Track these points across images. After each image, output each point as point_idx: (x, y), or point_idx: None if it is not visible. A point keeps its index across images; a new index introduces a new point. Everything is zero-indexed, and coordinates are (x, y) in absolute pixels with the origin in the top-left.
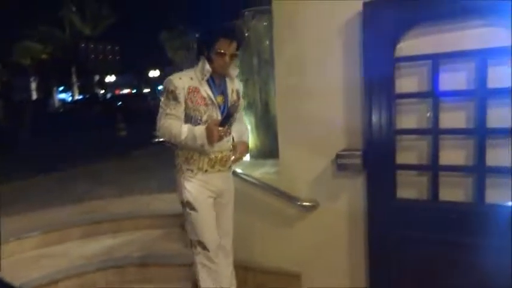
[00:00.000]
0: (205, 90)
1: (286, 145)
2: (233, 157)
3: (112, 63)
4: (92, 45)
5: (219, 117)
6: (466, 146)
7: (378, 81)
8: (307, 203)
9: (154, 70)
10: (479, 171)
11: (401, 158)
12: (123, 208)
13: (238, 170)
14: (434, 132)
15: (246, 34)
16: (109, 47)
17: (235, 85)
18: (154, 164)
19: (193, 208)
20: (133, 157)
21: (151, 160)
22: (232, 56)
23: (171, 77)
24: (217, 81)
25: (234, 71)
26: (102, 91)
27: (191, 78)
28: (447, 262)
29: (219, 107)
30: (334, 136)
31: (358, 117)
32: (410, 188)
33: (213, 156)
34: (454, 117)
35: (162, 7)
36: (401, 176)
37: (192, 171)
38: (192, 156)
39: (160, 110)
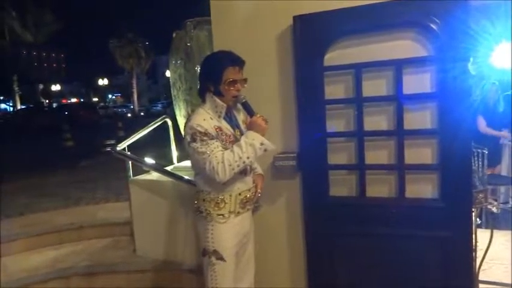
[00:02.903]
0: (227, 128)
1: None
2: (258, 192)
3: (57, 72)
4: (35, 53)
5: None
6: (388, 146)
7: (309, 89)
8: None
9: (103, 78)
10: (399, 168)
11: (333, 158)
12: (67, 219)
13: (185, 176)
14: (359, 135)
15: (188, 44)
16: (53, 54)
17: (241, 116)
18: (102, 173)
19: (220, 258)
20: (80, 167)
21: (98, 170)
22: (242, 83)
23: (194, 122)
24: (229, 115)
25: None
26: (47, 100)
27: (211, 118)
28: (376, 252)
29: None
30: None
31: (293, 122)
32: (341, 186)
33: (243, 196)
34: (377, 121)
35: (109, 15)
36: (333, 176)
37: (223, 216)
38: (223, 199)
39: (202, 157)
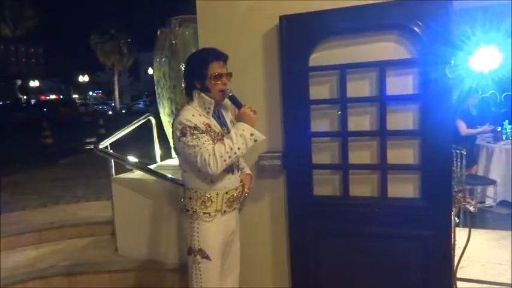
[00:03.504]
0: (215, 125)
1: None
2: (245, 192)
3: (36, 67)
4: (13, 48)
5: None
6: (371, 147)
7: (294, 89)
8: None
9: (84, 75)
10: (382, 168)
11: (317, 158)
12: (47, 218)
13: (169, 175)
14: (343, 135)
15: (173, 42)
16: (32, 49)
17: (229, 115)
18: (82, 172)
19: (206, 256)
20: (60, 165)
21: (78, 168)
22: (228, 77)
23: (183, 117)
24: (216, 113)
25: (227, 101)
26: (25, 96)
27: (199, 115)
28: (358, 250)
29: None
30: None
31: (278, 122)
32: (325, 186)
33: (230, 195)
34: (360, 121)
35: (91, 10)
36: (317, 175)
37: (209, 214)
38: (210, 198)
39: (194, 151)
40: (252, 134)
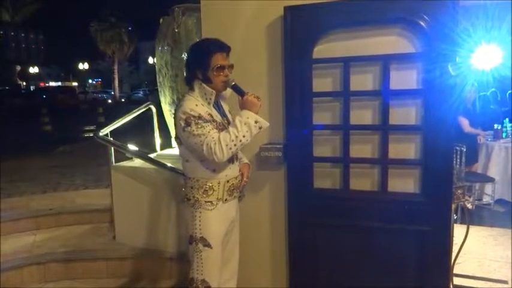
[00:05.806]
0: (216, 116)
1: None
2: (244, 180)
3: (35, 53)
4: (13, 33)
5: None
6: (372, 141)
7: (297, 81)
8: None
9: (83, 63)
10: (383, 163)
11: (318, 151)
12: (45, 204)
13: (168, 164)
14: (345, 128)
15: (176, 30)
16: (32, 35)
17: (227, 106)
18: (80, 159)
19: (207, 244)
20: (58, 153)
21: (77, 156)
22: (230, 68)
23: (187, 107)
24: (217, 104)
25: (226, 92)
26: (24, 82)
27: (202, 105)
28: (357, 244)
29: None
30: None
31: (280, 113)
32: (326, 179)
33: (231, 183)
34: (362, 115)
35: None
36: (318, 168)
37: (211, 203)
38: (211, 186)
39: (199, 140)
40: (256, 121)
